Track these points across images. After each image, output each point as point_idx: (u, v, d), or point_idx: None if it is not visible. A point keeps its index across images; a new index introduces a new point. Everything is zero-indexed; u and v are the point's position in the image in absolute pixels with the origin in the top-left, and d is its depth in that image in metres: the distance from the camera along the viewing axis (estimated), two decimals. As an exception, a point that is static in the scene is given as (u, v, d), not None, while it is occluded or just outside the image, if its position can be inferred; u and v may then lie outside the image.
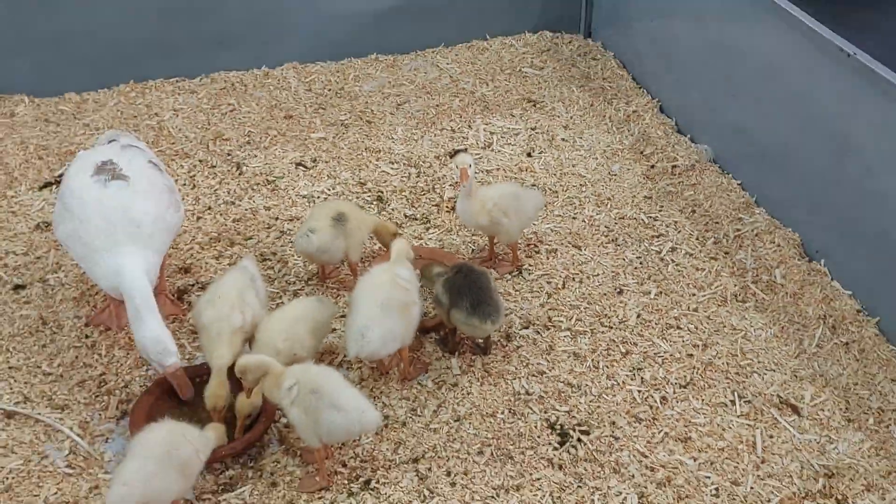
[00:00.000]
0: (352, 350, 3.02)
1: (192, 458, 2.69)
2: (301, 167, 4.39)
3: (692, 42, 4.47)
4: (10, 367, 3.32)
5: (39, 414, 3.14)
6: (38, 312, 3.55)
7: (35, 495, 2.89)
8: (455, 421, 3.11)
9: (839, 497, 2.86)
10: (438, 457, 2.99)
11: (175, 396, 3.08)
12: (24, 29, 4.67)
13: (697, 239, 3.89)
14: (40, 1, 4.65)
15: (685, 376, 3.26)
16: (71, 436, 3.06)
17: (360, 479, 2.92)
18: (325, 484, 2.89)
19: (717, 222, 3.98)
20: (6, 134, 4.58)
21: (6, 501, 2.87)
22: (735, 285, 3.64)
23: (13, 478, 2.94)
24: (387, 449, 3.01)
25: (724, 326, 3.46)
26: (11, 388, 3.24)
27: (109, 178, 3.15)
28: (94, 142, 3.74)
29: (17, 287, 3.68)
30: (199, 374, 3.14)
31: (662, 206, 4.09)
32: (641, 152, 4.47)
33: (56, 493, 2.89)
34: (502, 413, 3.13)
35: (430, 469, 2.95)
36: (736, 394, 3.19)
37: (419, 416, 3.13)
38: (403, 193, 4.21)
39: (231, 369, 2.97)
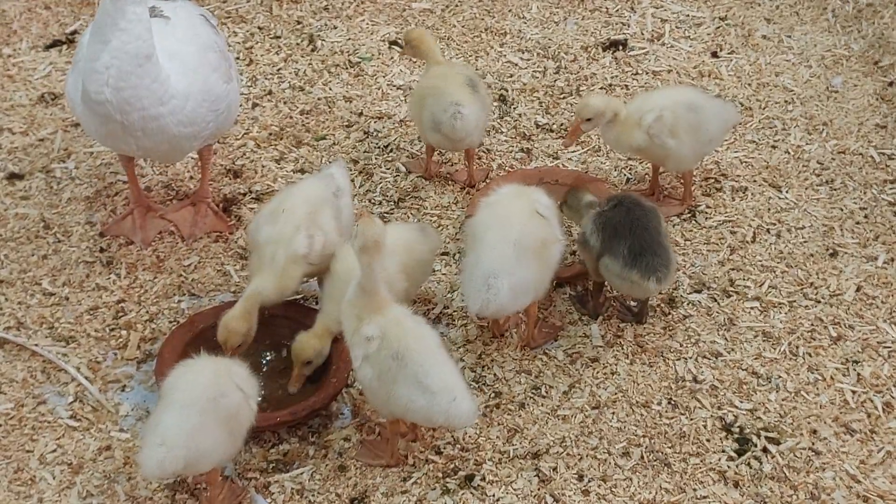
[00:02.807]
0: (474, 305, 3.05)
1: (241, 409, 2.76)
2: (396, 47, 4.42)
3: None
4: (0, 281, 3.45)
5: (37, 345, 3.25)
6: (38, 212, 3.67)
7: (28, 450, 3.01)
8: (593, 408, 3.13)
9: None
10: (568, 454, 3.02)
11: (216, 337, 3.16)
12: None
13: (949, 190, 3.84)
14: None
15: (921, 378, 3.24)
16: (77, 377, 3.17)
17: (460, 474, 2.96)
18: (391, 462, 2.96)
19: (978, 169, 3.91)
20: (4, -29, 4.72)
21: (-11, 454, 3.01)
22: None
23: (1, 425, 3.06)
24: (497, 437, 3.05)
25: (981, 314, 3.42)
26: (1, 309, 3.37)
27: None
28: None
29: (13, 176, 3.80)
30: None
31: (902, 141, 4.04)
32: (876, 63, 4.39)
33: (55, 451, 3.01)
34: (659, 404, 3.15)
35: (555, 469, 2.98)
36: None
37: (544, 397, 3.16)
38: (536, 94, 4.21)
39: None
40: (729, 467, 2.99)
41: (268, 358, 3.21)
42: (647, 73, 4.32)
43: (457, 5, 4.64)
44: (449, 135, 3.64)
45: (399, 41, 4.43)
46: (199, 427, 2.67)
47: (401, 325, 2.86)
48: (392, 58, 4.36)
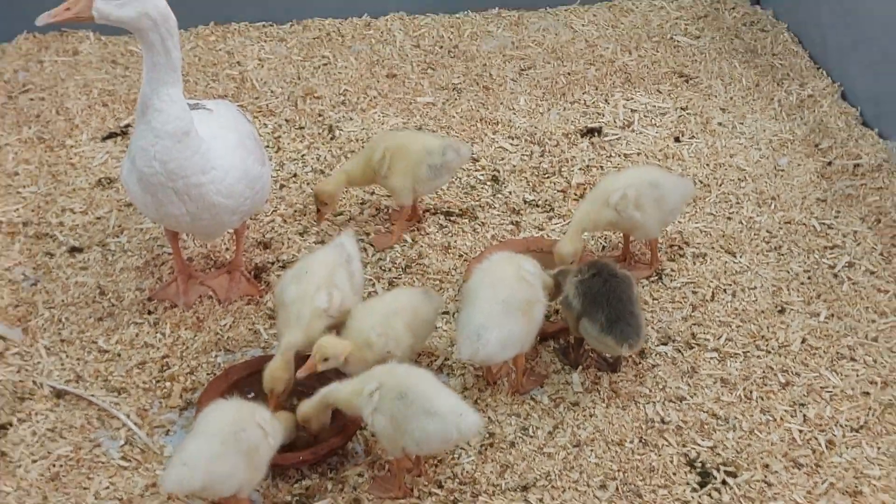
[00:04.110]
0: (465, 352, 3.08)
1: (261, 444, 2.79)
2: (404, 135, 4.48)
3: (892, 15, 4.40)
4: (62, 340, 3.48)
5: (93, 396, 3.28)
6: (95, 280, 3.71)
7: (84, 487, 3.02)
8: (574, 446, 3.14)
9: None
10: (553, 486, 3.02)
11: (249, 388, 3.18)
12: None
13: (882, 255, 3.84)
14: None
15: (858, 418, 3.22)
16: (127, 423, 3.19)
17: (459, 505, 2.98)
18: (399, 495, 2.97)
19: (906, 236, 3.93)
20: (68, 75, 4.79)
21: (52, 491, 3.01)
22: (926, 314, 3.60)
23: (61, 465, 3.08)
24: (491, 472, 3.06)
25: (910, 362, 3.42)
26: (63, 364, 3.39)
27: (192, 106, 3.34)
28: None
29: (74, 250, 3.84)
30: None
31: (839, 212, 4.05)
32: (816, 146, 4.43)
33: (108, 488, 3.02)
34: (631, 442, 3.15)
35: (541, 500, 2.98)
36: (921, 444, 3.15)
37: (531, 436, 3.17)
38: (524, 175, 4.25)
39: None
40: (692, 498, 2.99)
41: (293, 402, 3.22)
42: (619, 156, 4.36)
43: (455, 99, 4.70)
44: (462, 163, 3.94)
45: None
46: (220, 455, 2.71)
47: (392, 373, 2.91)
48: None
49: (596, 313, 3.20)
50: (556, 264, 3.50)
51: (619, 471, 3.06)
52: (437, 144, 3.83)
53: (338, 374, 3.10)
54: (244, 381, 3.22)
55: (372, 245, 3.88)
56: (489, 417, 3.22)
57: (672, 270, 3.78)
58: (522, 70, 4.91)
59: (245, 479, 2.77)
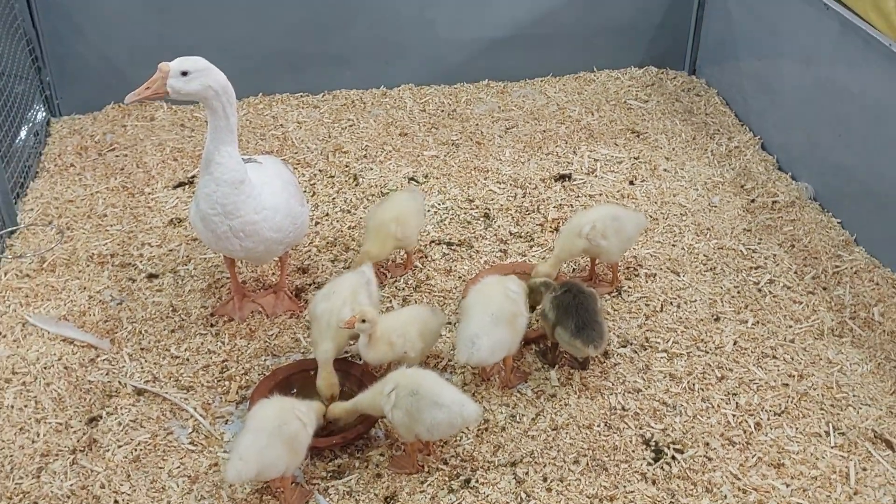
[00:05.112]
0: (462, 356, 3.06)
1: (299, 433, 2.76)
2: (413, 182, 4.46)
3: (799, 82, 4.41)
4: (141, 349, 3.46)
5: (167, 393, 3.26)
6: (168, 300, 3.69)
7: (160, 467, 2.99)
8: (553, 430, 3.11)
9: (933, 534, 2.77)
10: (536, 462, 2.99)
11: (291, 384, 3.16)
12: (165, 42, 4.88)
13: (796, 273, 3.82)
14: (180, 18, 4.87)
15: (780, 404, 3.20)
16: (194, 415, 3.17)
17: (461, 478, 2.94)
18: (412, 471, 2.94)
19: (815, 258, 3.90)
20: (146, 136, 4.79)
21: (134, 471, 2.98)
22: (832, 320, 3.57)
23: (141, 449, 3.05)
24: (486, 451, 3.03)
25: (820, 359, 3.39)
26: (143, 368, 3.37)
27: (246, 160, 3.32)
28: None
29: (151, 276, 3.83)
30: (312, 368, 3.20)
31: (761, 240, 4.03)
32: (742, 186, 4.42)
33: (179, 467, 2.99)
34: (598, 426, 3.12)
35: (527, 473, 2.95)
36: (830, 425, 3.12)
37: (518, 422, 3.14)
38: (509, 212, 4.24)
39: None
40: (648, 470, 2.97)
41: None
42: (585, 196, 4.35)
43: (454, 152, 4.70)
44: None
45: (414, 178, 4.49)
46: (267, 446, 2.68)
47: (404, 374, 2.89)
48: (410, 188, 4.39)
49: (567, 322, 3.19)
50: (532, 276, 3.49)
51: (588, 449, 3.04)
52: (417, 195, 3.80)
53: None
54: (288, 380, 3.21)
55: (388, 271, 3.86)
56: (484, 407, 3.20)
57: (629, 287, 3.76)
58: (507, 129, 4.91)
59: (289, 462, 2.74)
